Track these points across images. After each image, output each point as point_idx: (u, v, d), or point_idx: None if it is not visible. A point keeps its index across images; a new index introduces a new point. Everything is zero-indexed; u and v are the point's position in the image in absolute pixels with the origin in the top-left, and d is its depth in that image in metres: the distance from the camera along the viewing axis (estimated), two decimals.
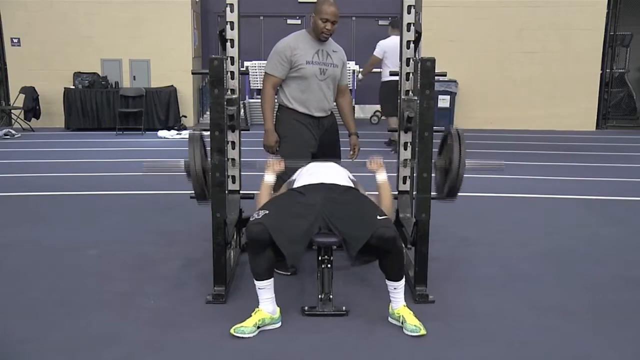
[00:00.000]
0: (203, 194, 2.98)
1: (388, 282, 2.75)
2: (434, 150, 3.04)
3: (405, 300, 2.79)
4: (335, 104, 3.72)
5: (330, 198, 2.78)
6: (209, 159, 2.99)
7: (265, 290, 2.69)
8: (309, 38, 3.45)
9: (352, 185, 2.98)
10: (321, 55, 3.44)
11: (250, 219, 2.70)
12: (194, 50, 10.14)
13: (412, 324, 2.64)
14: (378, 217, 2.69)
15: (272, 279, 2.71)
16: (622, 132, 9.91)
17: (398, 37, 3.59)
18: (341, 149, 3.73)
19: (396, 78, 3.63)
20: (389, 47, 7.07)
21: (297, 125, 3.46)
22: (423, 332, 2.62)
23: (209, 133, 2.98)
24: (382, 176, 3.06)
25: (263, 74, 3.63)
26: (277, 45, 3.48)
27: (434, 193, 3.11)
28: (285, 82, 3.48)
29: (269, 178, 3.07)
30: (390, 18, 11.05)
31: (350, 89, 9.38)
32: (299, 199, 2.79)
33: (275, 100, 3.60)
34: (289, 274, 3.29)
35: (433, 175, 3.10)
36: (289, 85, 3.48)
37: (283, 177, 3.21)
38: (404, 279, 2.76)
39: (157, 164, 3.32)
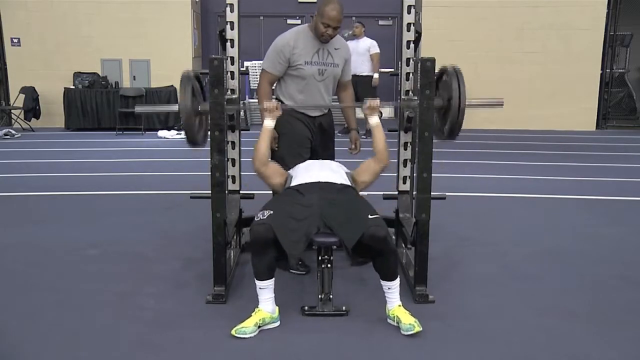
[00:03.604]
0: (193, 138, 2.92)
1: (382, 282, 2.76)
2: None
3: (406, 301, 2.79)
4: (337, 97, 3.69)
5: (326, 198, 2.78)
6: (203, 101, 2.93)
7: (266, 290, 2.70)
8: (310, 36, 3.36)
9: (348, 182, 2.98)
10: (321, 55, 3.37)
11: (255, 219, 2.70)
12: (194, 50, 10.13)
13: (407, 322, 2.64)
14: (369, 217, 2.69)
15: (273, 279, 2.71)
16: (622, 132, 9.91)
17: None
18: (343, 148, 3.72)
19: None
20: None
21: (293, 121, 3.42)
22: (418, 329, 2.61)
23: (204, 72, 2.91)
24: (374, 119, 3.06)
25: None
26: (277, 41, 3.39)
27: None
28: (284, 78, 3.42)
29: (269, 123, 3.04)
30: (390, 18, 11.11)
31: None
32: (298, 200, 2.79)
33: (273, 95, 3.56)
34: (304, 273, 3.32)
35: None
36: (287, 82, 3.43)
37: (281, 163, 3.21)
38: (398, 279, 2.76)
39: (149, 107, 3.29)
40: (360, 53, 8.21)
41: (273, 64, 3.38)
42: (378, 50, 8.44)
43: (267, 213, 2.69)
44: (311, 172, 2.98)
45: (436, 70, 2.99)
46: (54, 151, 7.80)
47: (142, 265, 3.52)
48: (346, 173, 3.06)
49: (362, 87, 7.89)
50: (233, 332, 2.61)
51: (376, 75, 8.40)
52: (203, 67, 9.06)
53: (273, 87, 3.52)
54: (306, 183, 2.89)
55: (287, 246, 2.60)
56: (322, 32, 3.28)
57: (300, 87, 3.40)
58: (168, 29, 9.81)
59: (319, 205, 2.74)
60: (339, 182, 2.92)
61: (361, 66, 8.19)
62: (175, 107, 2.86)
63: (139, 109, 3.15)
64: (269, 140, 3.05)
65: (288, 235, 2.62)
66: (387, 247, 2.66)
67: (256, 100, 3.51)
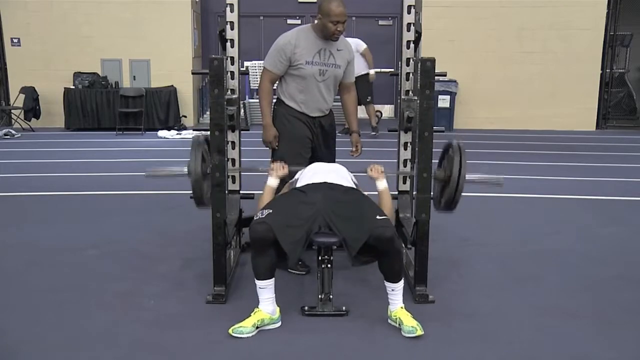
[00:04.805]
0: (200, 199, 2.94)
1: (386, 284, 2.75)
2: (433, 161, 3.03)
3: (406, 301, 2.79)
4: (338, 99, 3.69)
5: (331, 196, 2.78)
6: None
7: (266, 290, 2.69)
8: (313, 36, 3.35)
9: (355, 186, 2.98)
10: (323, 56, 3.36)
11: (254, 218, 2.70)
12: (194, 50, 10.13)
13: (409, 325, 2.63)
14: (377, 217, 2.68)
15: (273, 279, 2.71)
16: (622, 132, 9.90)
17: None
18: (344, 148, 3.72)
19: None
20: None
21: (294, 121, 3.43)
22: (420, 332, 2.61)
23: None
24: (382, 183, 3.01)
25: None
26: (279, 40, 3.39)
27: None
28: (285, 78, 3.43)
29: (272, 182, 3.05)
30: (390, 18, 11.10)
31: None
32: (301, 198, 2.79)
33: (274, 95, 3.57)
34: (303, 273, 3.32)
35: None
36: (288, 82, 3.43)
37: (285, 179, 3.21)
38: (402, 281, 2.75)
39: (159, 171, 3.27)
40: None
41: (274, 63, 3.38)
42: (365, 45, 8.35)
43: (266, 212, 2.69)
44: (317, 173, 2.98)
45: (443, 145, 3.02)
46: (54, 151, 7.80)
47: (142, 265, 3.52)
48: (351, 179, 3.05)
49: (359, 86, 7.85)
50: (230, 331, 2.61)
51: (372, 72, 8.26)
52: (203, 67, 9.06)
53: (274, 87, 3.52)
54: (312, 183, 2.89)
55: (287, 246, 2.60)
56: (334, 31, 3.27)
57: (301, 87, 3.40)
58: (168, 29, 9.81)
59: (323, 203, 2.74)
60: (345, 184, 2.92)
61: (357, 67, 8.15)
62: (185, 170, 2.91)
63: (148, 173, 3.18)
64: (271, 198, 3.00)
65: (288, 234, 2.62)
66: (393, 248, 2.65)
67: (256, 100, 3.52)
